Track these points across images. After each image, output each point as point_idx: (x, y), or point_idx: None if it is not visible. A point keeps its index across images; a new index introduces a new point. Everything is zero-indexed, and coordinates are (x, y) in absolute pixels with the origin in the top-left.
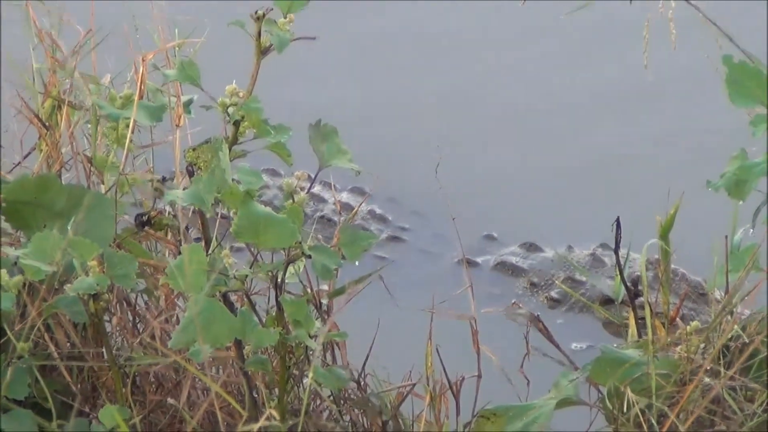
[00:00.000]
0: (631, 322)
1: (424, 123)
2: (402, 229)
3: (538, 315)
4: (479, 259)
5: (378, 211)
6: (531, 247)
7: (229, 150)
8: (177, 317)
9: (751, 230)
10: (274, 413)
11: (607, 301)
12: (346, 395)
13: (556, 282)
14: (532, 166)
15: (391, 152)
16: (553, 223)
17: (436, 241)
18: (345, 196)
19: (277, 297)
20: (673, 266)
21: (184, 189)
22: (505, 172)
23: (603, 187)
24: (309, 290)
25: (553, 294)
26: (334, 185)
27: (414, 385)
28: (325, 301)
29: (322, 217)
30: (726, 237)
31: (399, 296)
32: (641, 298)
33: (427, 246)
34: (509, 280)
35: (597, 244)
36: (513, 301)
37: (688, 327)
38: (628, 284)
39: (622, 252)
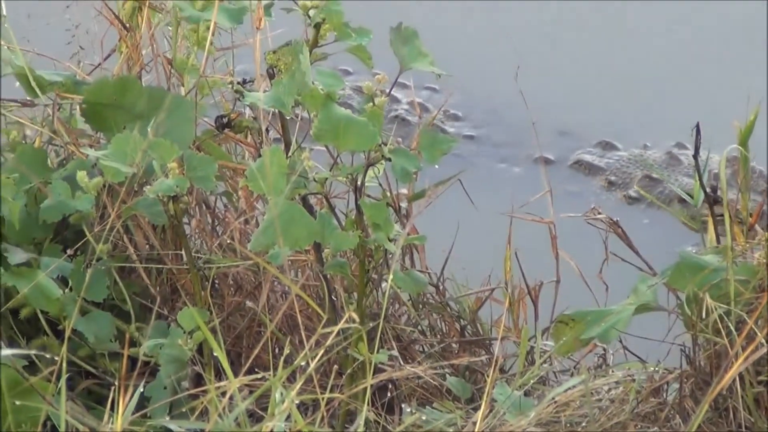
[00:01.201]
0: (710, 227)
1: (502, 26)
2: (476, 127)
3: (617, 220)
4: (553, 157)
5: (452, 111)
6: (607, 146)
7: (310, 53)
8: (256, 220)
9: None
10: (354, 316)
11: (684, 200)
12: (425, 299)
13: (634, 181)
14: (607, 66)
15: (466, 53)
16: (628, 121)
17: (511, 139)
18: (423, 95)
19: (356, 200)
20: (751, 164)
21: (264, 92)
22: (581, 73)
23: (680, 86)
24: (388, 193)
25: (632, 192)
26: (411, 85)
27: (493, 290)
28: (404, 205)
29: (396, 116)
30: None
31: (478, 198)
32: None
33: (503, 144)
34: (586, 178)
35: (673, 143)
36: (593, 206)
37: (767, 233)
38: (707, 190)
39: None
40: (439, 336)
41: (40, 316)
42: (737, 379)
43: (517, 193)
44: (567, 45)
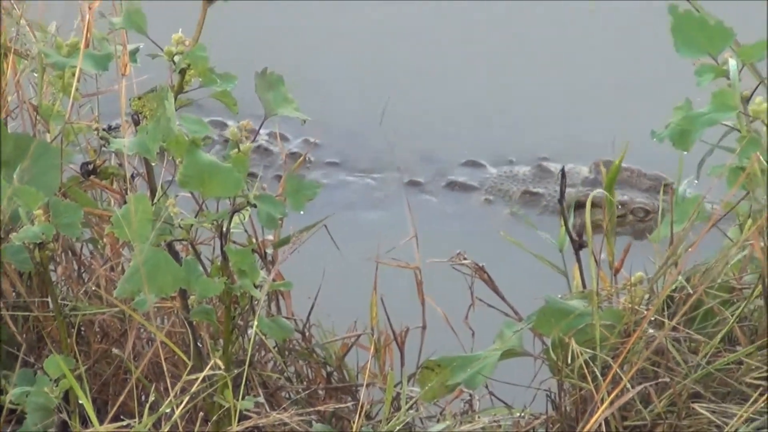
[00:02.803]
0: (576, 273)
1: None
2: (339, 153)
3: (483, 265)
4: (423, 179)
5: (313, 139)
6: (474, 165)
7: (175, 99)
8: (122, 267)
9: (696, 181)
10: (220, 363)
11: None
12: (291, 346)
13: (514, 196)
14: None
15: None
16: (485, 141)
17: (375, 165)
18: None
19: (222, 246)
20: (626, 165)
21: (129, 138)
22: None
23: (535, 113)
24: (254, 239)
25: (514, 209)
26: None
27: (359, 336)
28: (270, 251)
29: (258, 147)
30: (671, 186)
31: (347, 239)
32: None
33: (368, 169)
34: (462, 197)
35: (538, 157)
36: (458, 252)
37: (632, 278)
38: (573, 235)
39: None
40: (305, 382)
41: None
42: (603, 423)
43: (387, 235)
44: (423, 74)
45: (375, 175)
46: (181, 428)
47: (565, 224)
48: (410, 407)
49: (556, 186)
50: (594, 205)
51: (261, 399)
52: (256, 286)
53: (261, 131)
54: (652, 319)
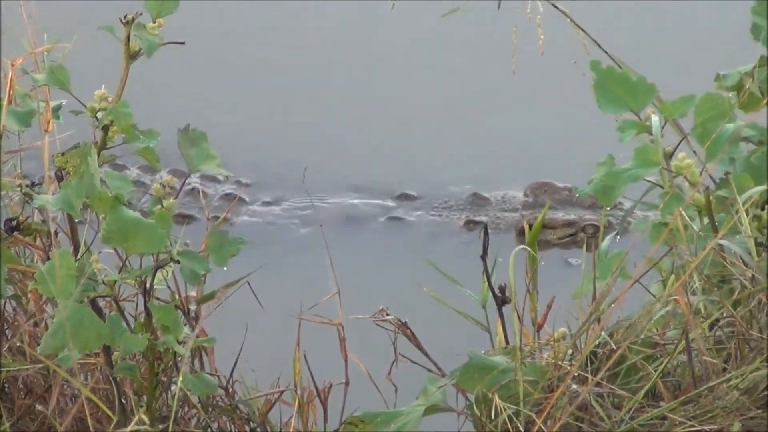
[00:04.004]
0: (499, 329)
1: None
2: (271, 192)
3: (405, 321)
4: (360, 214)
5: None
6: (407, 197)
7: (98, 155)
8: (46, 323)
9: (618, 237)
10: (144, 418)
11: (521, 231)
12: (215, 402)
13: (457, 224)
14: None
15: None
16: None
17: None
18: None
19: (145, 302)
20: (562, 184)
21: (53, 194)
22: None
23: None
24: (177, 296)
25: (465, 238)
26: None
27: (282, 392)
28: (193, 307)
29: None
30: (593, 244)
31: (272, 291)
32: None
33: (304, 206)
34: (403, 231)
35: (469, 186)
36: (381, 308)
37: (556, 333)
38: (496, 291)
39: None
40: None
41: None
42: None
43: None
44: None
45: (306, 212)
46: None
47: (488, 280)
48: None
49: (497, 212)
50: (544, 226)
51: None
52: (179, 342)
53: (193, 176)
54: (576, 374)
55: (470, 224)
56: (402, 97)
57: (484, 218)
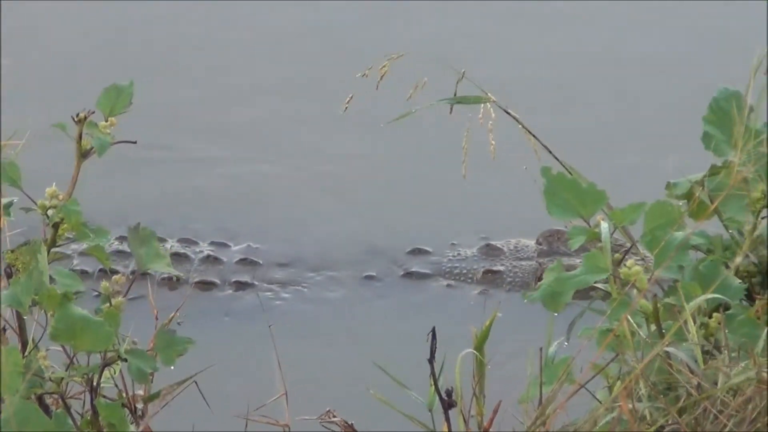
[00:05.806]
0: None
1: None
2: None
3: (352, 423)
4: (378, 273)
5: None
6: (420, 252)
7: (48, 252)
8: None
9: (566, 343)
10: None
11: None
12: None
13: (476, 275)
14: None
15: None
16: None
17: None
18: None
19: (92, 400)
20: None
21: (2, 291)
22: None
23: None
24: (124, 394)
25: (482, 289)
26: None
27: None
28: (140, 405)
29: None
30: (540, 349)
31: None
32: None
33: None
34: (422, 285)
35: (478, 237)
36: (327, 409)
37: None
38: (443, 395)
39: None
40: None
41: None
42: None
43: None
44: None
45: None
46: None
47: (435, 384)
48: None
49: (513, 262)
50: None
51: None
52: None
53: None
54: None
55: (489, 274)
56: None
57: (501, 268)
